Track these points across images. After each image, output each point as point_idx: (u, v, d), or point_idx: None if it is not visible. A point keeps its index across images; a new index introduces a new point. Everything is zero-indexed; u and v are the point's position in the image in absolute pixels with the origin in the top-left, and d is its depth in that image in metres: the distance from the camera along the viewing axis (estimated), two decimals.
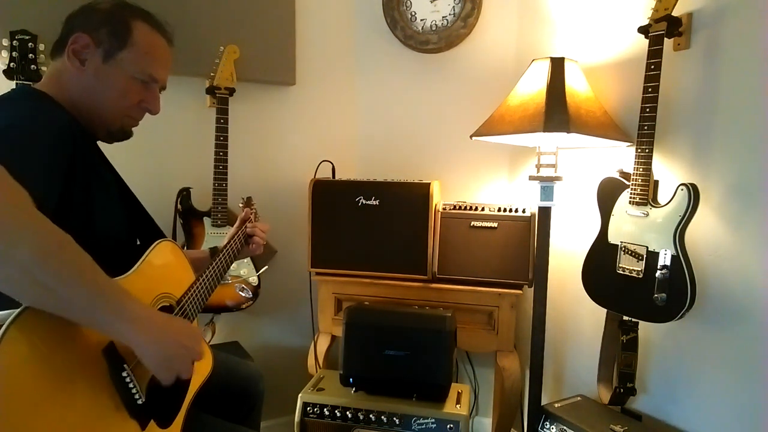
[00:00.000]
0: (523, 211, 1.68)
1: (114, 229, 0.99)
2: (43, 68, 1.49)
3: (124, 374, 0.80)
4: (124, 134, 1.07)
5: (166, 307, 0.98)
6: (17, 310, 0.67)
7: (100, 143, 1.06)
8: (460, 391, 1.58)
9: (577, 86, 1.46)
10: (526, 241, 1.66)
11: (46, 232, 0.69)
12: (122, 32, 0.98)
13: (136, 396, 0.82)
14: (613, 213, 1.41)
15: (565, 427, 1.42)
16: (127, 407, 0.81)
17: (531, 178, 1.57)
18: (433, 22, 1.98)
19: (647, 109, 1.28)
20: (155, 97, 1.06)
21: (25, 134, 0.80)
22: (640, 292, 1.31)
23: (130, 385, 0.81)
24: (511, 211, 1.69)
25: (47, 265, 0.68)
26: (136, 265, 0.91)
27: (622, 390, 1.43)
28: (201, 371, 1.07)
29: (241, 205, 1.47)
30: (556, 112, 1.38)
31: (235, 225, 1.37)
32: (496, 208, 1.71)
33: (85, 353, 0.76)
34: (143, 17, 1.02)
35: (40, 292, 0.68)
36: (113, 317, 0.74)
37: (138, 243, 1.07)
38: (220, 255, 1.22)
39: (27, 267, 0.66)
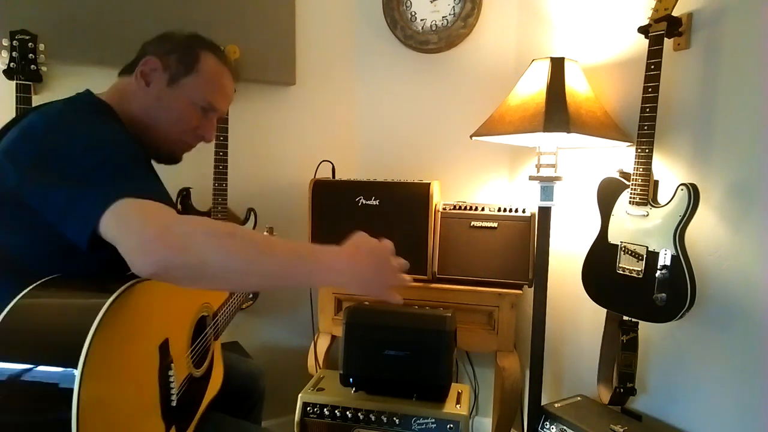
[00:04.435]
0: (523, 211, 1.68)
1: None
2: (43, 68, 1.49)
3: (170, 373, 0.82)
4: (172, 159, 1.09)
5: (205, 316, 1.02)
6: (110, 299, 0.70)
7: None
8: (460, 391, 1.58)
9: (577, 86, 1.46)
10: (526, 241, 1.66)
11: (215, 231, 0.74)
12: (190, 59, 1.01)
13: (173, 397, 0.84)
14: (613, 213, 1.41)
15: (565, 427, 1.42)
16: (162, 407, 0.82)
17: (531, 178, 1.57)
18: (433, 22, 1.98)
19: (647, 109, 1.28)
20: (212, 126, 1.08)
21: (123, 158, 0.83)
22: (640, 292, 1.31)
23: (172, 385, 0.83)
24: (511, 211, 1.69)
25: (234, 260, 0.72)
26: None
27: (622, 390, 1.43)
28: (214, 385, 1.09)
29: (265, 233, 1.50)
30: (556, 112, 1.38)
31: None
32: (496, 208, 1.71)
33: (147, 346, 0.79)
34: (213, 50, 1.05)
35: (243, 278, 0.74)
36: (307, 272, 0.79)
37: None
38: None
39: (222, 266, 0.72)
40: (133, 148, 0.86)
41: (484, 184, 2.03)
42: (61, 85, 1.58)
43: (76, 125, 0.85)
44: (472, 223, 1.70)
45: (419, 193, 1.72)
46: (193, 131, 1.05)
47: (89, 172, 0.76)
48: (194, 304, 0.98)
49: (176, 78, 1.00)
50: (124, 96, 1.00)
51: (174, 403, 0.84)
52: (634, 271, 1.33)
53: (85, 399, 0.62)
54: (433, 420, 1.46)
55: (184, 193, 1.74)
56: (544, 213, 1.56)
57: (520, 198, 1.93)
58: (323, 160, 1.91)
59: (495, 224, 1.68)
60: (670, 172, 1.39)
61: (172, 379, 0.82)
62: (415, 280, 1.72)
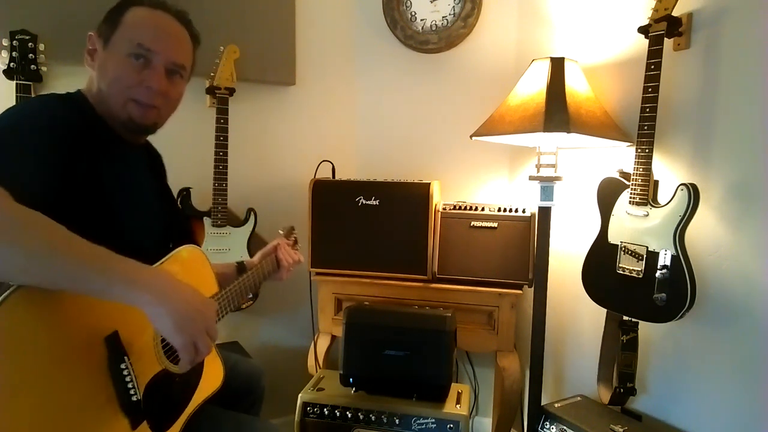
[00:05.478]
0: (523, 211, 1.67)
1: (137, 233, 0.99)
2: (43, 68, 1.49)
3: (123, 366, 0.79)
4: (135, 125, 1.00)
5: None
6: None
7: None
8: (460, 391, 1.58)
9: (577, 86, 1.46)
10: (526, 241, 1.65)
11: (5, 213, 0.69)
12: (116, 17, 0.98)
13: (132, 392, 0.80)
14: (613, 213, 1.41)
15: (565, 427, 1.42)
16: (120, 402, 0.79)
17: (531, 178, 1.57)
18: (433, 22, 1.98)
19: (647, 109, 1.28)
20: (157, 73, 0.97)
21: (11, 128, 0.81)
22: (640, 292, 1.31)
23: (127, 379, 0.79)
24: (511, 211, 1.69)
25: (16, 243, 0.67)
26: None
27: (622, 390, 1.43)
28: (209, 384, 1.05)
29: (281, 232, 1.46)
30: (556, 112, 1.38)
31: (270, 245, 1.35)
32: (496, 208, 1.71)
33: (87, 338, 0.75)
34: (143, 3, 1.00)
35: (21, 270, 0.68)
36: (108, 280, 0.72)
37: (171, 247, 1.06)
38: (249, 273, 1.21)
39: None
40: (40, 125, 0.84)
41: (484, 184, 2.03)
42: (61, 85, 1.57)
43: (17, 106, 0.89)
44: (472, 223, 1.70)
45: (419, 193, 1.71)
46: (139, 85, 0.96)
47: None
48: None
49: (108, 39, 0.97)
50: (90, 82, 1.00)
51: (135, 398, 0.81)
52: (634, 271, 1.33)
53: None
54: (433, 420, 1.46)
55: (184, 193, 1.73)
56: (544, 213, 1.56)
57: (520, 198, 1.93)
58: (323, 160, 1.91)
59: (495, 224, 1.68)
60: (670, 172, 1.39)
61: (126, 372, 0.79)
62: (415, 280, 1.73)
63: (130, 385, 0.80)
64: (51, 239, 0.70)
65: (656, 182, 1.34)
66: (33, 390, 0.68)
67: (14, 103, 1.44)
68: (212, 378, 1.07)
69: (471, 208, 1.73)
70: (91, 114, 0.96)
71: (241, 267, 1.29)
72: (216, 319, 0.86)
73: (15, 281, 0.68)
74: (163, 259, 0.95)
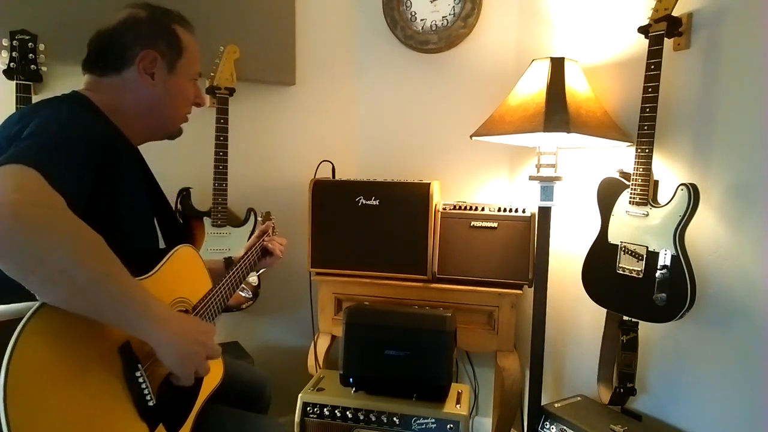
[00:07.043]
0: (523, 211, 1.68)
1: (142, 238, 1.01)
2: (43, 68, 1.49)
3: (138, 374, 0.80)
4: (179, 133, 1.15)
5: (182, 311, 0.99)
6: (37, 303, 0.68)
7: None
8: (460, 391, 1.58)
9: (577, 86, 1.46)
10: (526, 241, 1.66)
11: (82, 234, 0.72)
12: (175, 42, 1.04)
13: (148, 397, 0.82)
14: (613, 213, 1.41)
15: (565, 427, 1.42)
16: (138, 408, 0.81)
17: (531, 178, 1.57)
18: (433, 22, 1.98)
19: (647, 109, 1.28)
20: (200, 90, 1.14)
21: (59, 140, 0.82)
22: (640, 292, 1.31)
23: (143, 386, 0.81)
24: (511, 211, 1.69)
25: (82, 267, 0.70)
26: (155, 269, 0.92)
27: (622, 390, 1.43)
28: (212, 379, 1.07)
29: (260, 219, 1.49)
30: (556, 112, 1.38)
31: (254, 236, 1.39)
32: (496, 208, 1.71)
33: (101, 350, 0.77)
34: (176, 20, 1.06)
35: (74, 293, 0.70)
36: (139, 316, 0.76)
37: (163, 247, 1.08)
38: (238, 265, 1.24)
39: (64, 269, 0.68)
40: (80, 138, 0.84)
41: (484, 184, 2.03)
42: (61, 85, 1.58)
43: (41, 110, 0.88)
44: (472, 223, 1.70)
45: (419, 193, 1.72)
46: (192, 103, 1.13)
47: (23, 140, 0.78)
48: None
49: (173, 64, 1.04)
50: (117, 92, 1.00)
51: (152, 403, 0.82)
52: (634, 271, 1.33)
53: (15, 414, 0.60)
54: (433, 420, 1.46)
55: (184, 193, 1.74)
56: (544, 213, 1.56)
57: (520, 198, 1.93)
58: (323, 160, 1.91)
59: (495, 224, 1.68)
60: (670, 172, 1.39)
61: (141, 380, 0.81)
62: (415, 280, 1.73)
63: (146, 391, 0.82)
64: (111, 268, 0.74)
65: (656, 182, 1.34)
66: (58, 407, 0.68)
67: (15, 104, 1.44)
68: (214, 372, 1.08)
69: (471, 208, 1.73)
70: (110, 124, 0.98)
71: (228, 262, 1.31)
72: (213, 340, 0.91)
73: (59, 302, 0.69)
74: (162, 262, 0.95)
